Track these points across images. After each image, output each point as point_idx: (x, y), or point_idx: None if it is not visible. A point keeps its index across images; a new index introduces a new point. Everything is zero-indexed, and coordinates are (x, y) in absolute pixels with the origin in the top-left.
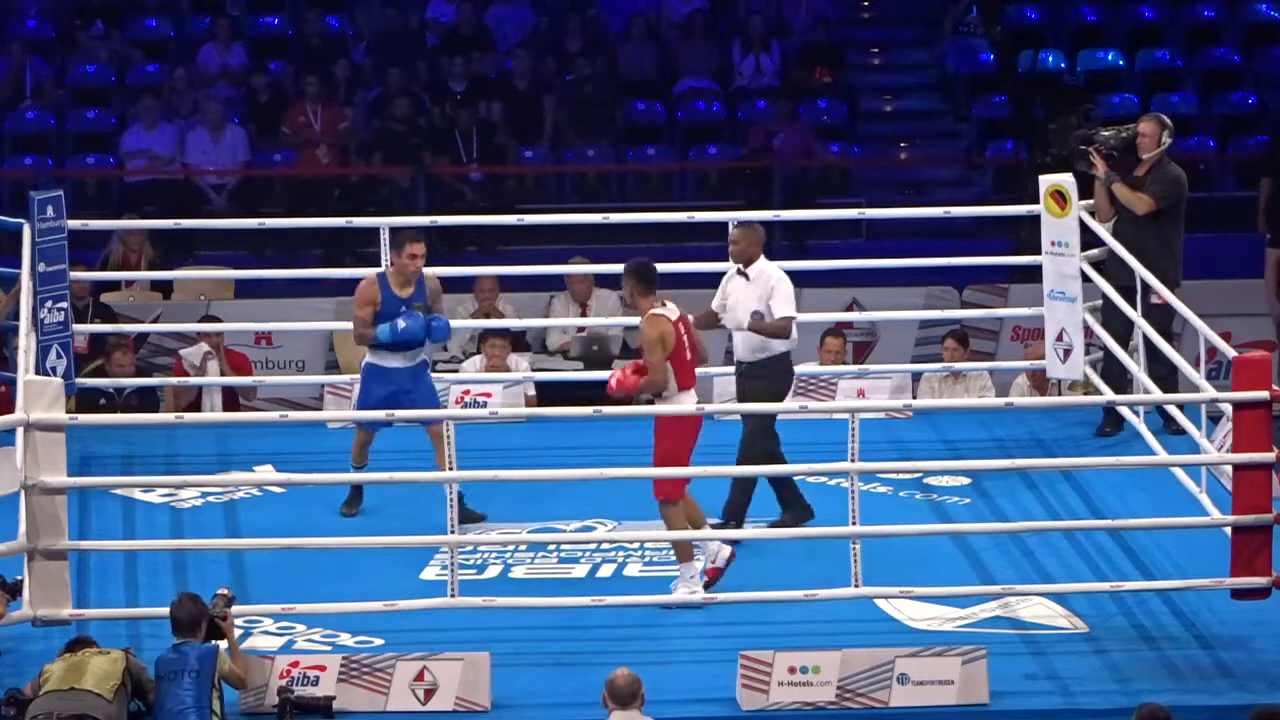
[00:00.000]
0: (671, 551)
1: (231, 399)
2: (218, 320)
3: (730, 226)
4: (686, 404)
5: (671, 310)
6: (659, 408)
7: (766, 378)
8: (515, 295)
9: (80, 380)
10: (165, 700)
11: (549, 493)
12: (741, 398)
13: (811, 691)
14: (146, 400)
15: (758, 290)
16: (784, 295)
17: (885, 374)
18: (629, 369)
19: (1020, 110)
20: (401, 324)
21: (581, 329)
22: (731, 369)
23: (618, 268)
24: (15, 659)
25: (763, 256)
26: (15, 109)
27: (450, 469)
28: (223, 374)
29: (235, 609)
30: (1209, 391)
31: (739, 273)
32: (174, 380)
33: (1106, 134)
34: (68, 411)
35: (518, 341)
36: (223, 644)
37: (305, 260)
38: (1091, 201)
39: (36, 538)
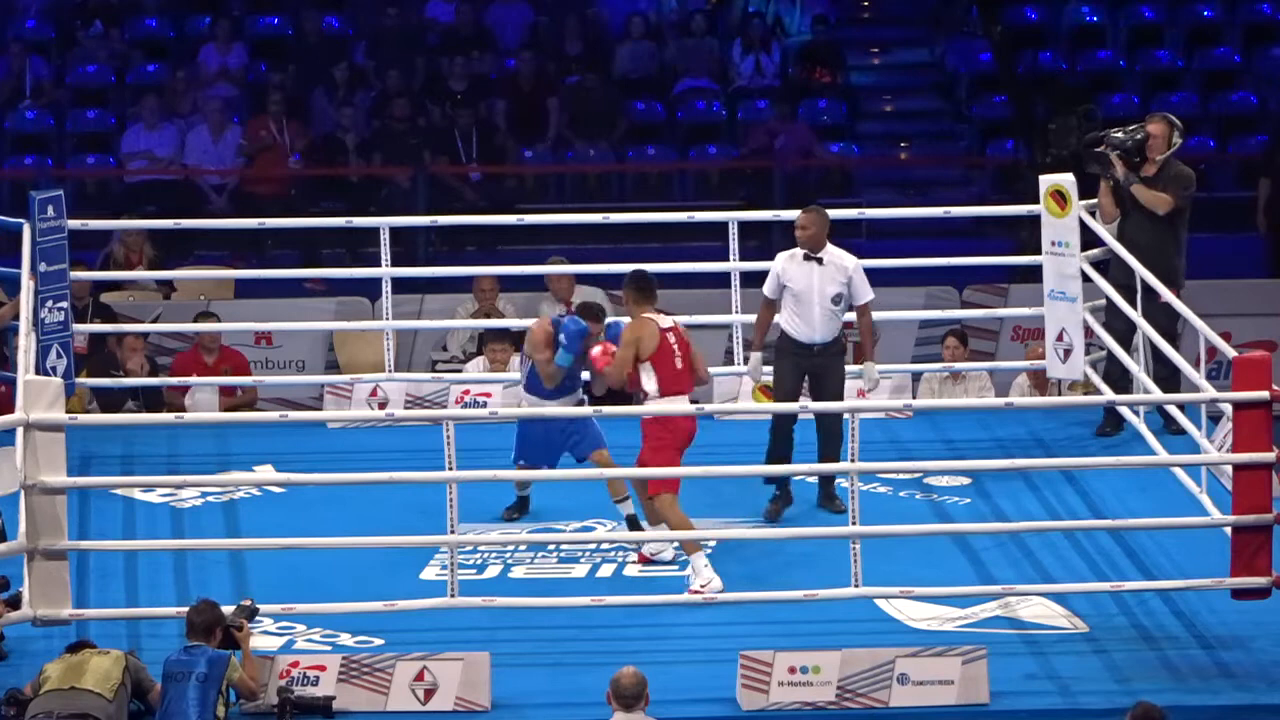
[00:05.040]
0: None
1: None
2: (216, 317)
3: (800, 214)
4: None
5: (662, 320)
6: (656, 407)
7: (841, 353)
8: (515, 295)
9: (81, 380)
10: (170, 701)
11: (549, 493)
12: (821, 374)
13: (811, 691)
14: (155, 400)
15: (834, 274)
16: (866, 280)
17: (885, 374)
18: (606, 348)
19: (1020, 110)
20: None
21: None
22: (731, 369)
23: (601, 267)
24: (15, 659)
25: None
26: (15, 109)
27: (450, 469)
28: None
29: (274, 608)
30: (1209, 391)
31: (806, 258)
32: (175, 380)
33: (1118, 135)
34: (85, 404)
35: (518, 341)
36: (237, 653)
37: (287, 260)
38: (1092, 201)
39: (36, 538)
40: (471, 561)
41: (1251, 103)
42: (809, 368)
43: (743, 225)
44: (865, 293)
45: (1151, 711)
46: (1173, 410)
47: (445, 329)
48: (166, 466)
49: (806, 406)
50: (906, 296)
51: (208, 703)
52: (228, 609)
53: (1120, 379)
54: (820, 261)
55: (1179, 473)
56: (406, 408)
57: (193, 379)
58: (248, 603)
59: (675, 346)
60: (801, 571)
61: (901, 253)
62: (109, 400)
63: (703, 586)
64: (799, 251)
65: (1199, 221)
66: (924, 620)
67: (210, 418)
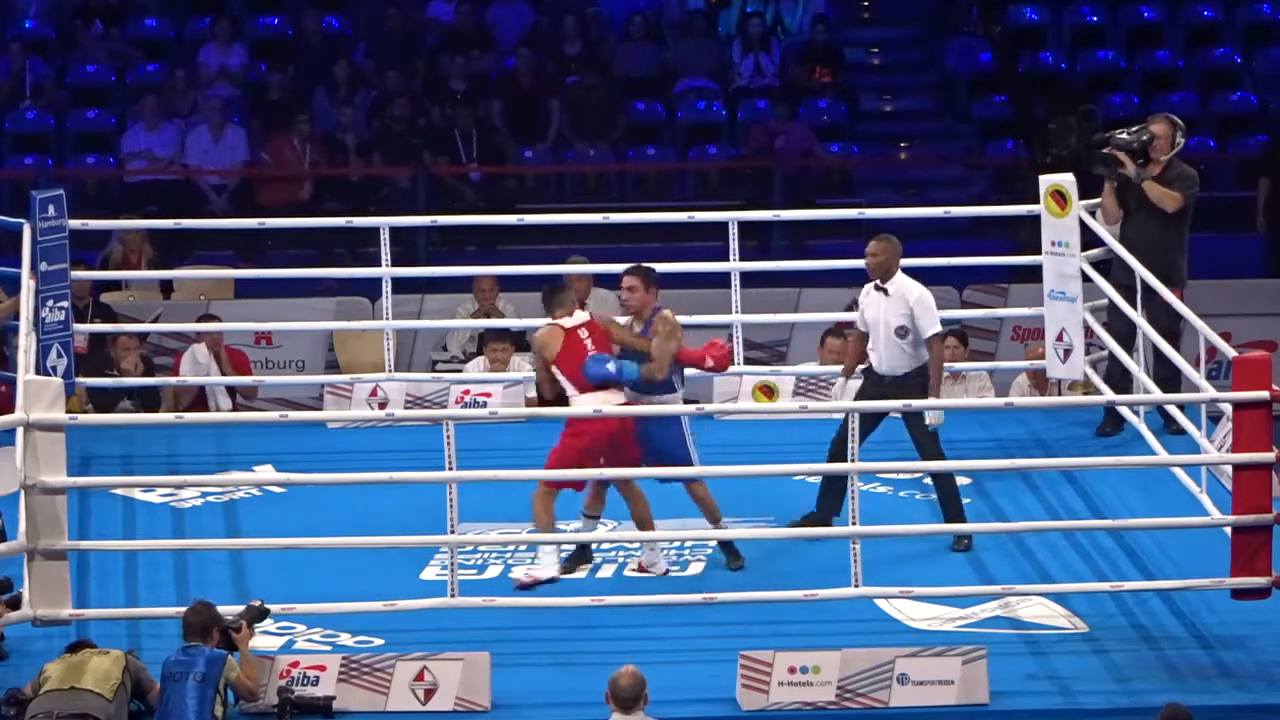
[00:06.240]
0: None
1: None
2: (217, 319)
3: (871, 241)
4: (583, 408)
5: (570, 319)
6: (657, 407)
7: (920, 385)
8: (515, 295)
9: (80, 380)
10: (168, 701)
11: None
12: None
13: (811, 691)
14: (151, 398)
15: (897, 305)
16: (930, 313)
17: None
18: None
19: (1020, 110)
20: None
21: None
22: (730, 369)
23: (617, 267)
24: (15, 659)
25: (900, 270)
26: (15, 109)
27: (450, 469)
28: (224, 374)
29: (274, 608)
30: (1209, 391)
31: (876, 288)
32: (175, 380)
33: (1123, 136)
34: (83, 403)
35: (518, 341)
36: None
37: (288, 260)
38: (1093, 201)
39: (36, 538)
40: (471, 561)
41: (1251, 103)
42: (882, 398)
43: (743, 225)
44: (928, 325)
45: (1179, 713)
46: (1173, 410)
47: (445, 329)
48: (166, 466)
49: (806, 407)
50: None
51: (205, 702)
52: (234, 609)
53: (1121, 379)
54: (886, 292)
55: (1179, 473)
56: (406, 408)
57: (190, 379)
58: (257, 604)
59: (588, 342)
60: (801, 571)
61: (902, 253)
62: (104, 400)
63: (532, 572)
64: (873, 280)
65: (1199, 221)
66: (924, 620)
67: (210, 418)
